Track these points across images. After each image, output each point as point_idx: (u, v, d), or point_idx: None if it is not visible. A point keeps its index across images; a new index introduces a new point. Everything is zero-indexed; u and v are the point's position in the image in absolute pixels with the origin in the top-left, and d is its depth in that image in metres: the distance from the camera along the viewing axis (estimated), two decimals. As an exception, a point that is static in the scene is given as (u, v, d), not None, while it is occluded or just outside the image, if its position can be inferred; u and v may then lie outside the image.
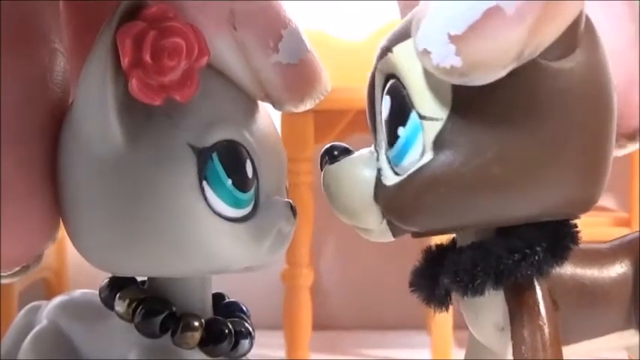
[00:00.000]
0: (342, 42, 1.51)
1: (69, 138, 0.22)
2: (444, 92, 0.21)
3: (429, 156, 0.21)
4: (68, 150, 0.22)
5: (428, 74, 0.21)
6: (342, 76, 1.09)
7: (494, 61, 0.19)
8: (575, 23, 0.20)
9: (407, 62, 0.21)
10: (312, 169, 1.12)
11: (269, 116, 0.24)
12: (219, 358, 0.24)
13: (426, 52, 0.19)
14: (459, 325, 0.25)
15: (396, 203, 0.22)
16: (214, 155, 0.21)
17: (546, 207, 0.21)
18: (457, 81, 0.19)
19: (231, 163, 0.22)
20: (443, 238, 0.25)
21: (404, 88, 0.21)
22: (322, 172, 0.24)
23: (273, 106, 0.24)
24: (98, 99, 0.20)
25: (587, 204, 0.22)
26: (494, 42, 0.18)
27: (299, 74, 0.23)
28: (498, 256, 0.22)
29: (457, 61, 0.19)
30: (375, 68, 0.23)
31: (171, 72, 0.20)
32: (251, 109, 0.23)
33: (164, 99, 0.20)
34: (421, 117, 0.21)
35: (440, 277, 0.23)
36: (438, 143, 0.21)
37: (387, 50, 0.22)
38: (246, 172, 0.22)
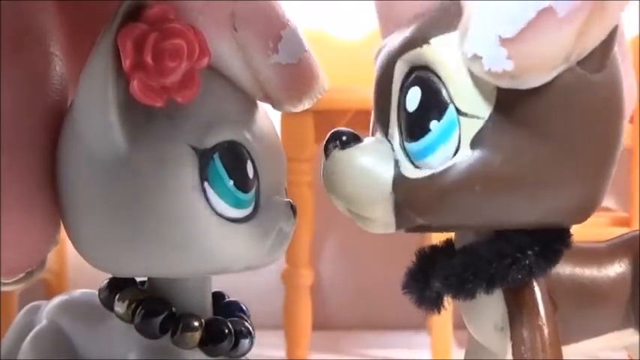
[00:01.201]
0: (341, 42, 1.51)
1: (69, 140, 0.22)
2: (489, 91, 0.21)
3: (465, 153, 0.21)
4: (68, 152, 0.22)
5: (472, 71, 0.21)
6: (342, 76, 1.09)
7: (544, 63, 0.19)
8: (612, 36, 0.20)
9: (447, 56, 0.21)
10: (312, 169, 1.12)
11: (268, 117, 0.24)
12: (219, 358, 0.24)
13: (476, 58, 0.19)
14: (459, 325, 0.25)
15: (422, 197, 0.22)
16: (216, 156, 0.21)
17: (559, 213, 0.21)
18: (507, 84, 0.19)
19: (232, 163, 0.22)
20: (441, 238, 0.25)
21: (441, 81, 0.21)
22: (328, 158, 0.23)
23: (272, 106, 0.24)
24: (99, 101, 0.20)
25: (588, 212, 0.22)
26: (546, 43, 0.18)
27: (298, 74, 0.23)
28: (489, 260, 0.22)
29: (509, 65, 0.19)
30: (397, 57, 0.22)
31: (173, 73, 0.20)
32: (251, 109, 0.23)
33: (165, 100, 0.20)
34: (460, 113, 0.21)
35: (431, 280, 0.23)
36: (477, 141, 0.21)
37: (420, 41, 0.22)
38: (247, 173, 0.22)
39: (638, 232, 0.25)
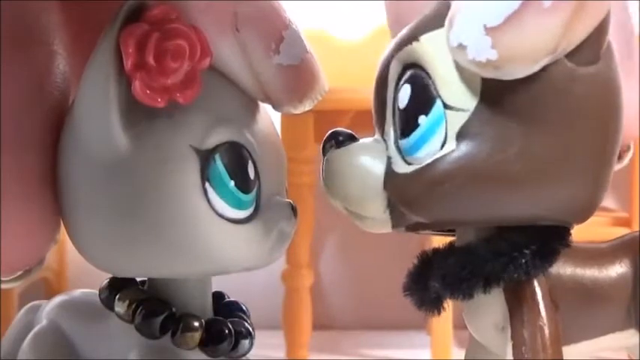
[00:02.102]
0: (342, 42, 1.51)
1: (70, 139, 0.22)
2: (474, 84, 0.21)
3: (451, 146, 0.21)
4: (69, 151, 0.22)
5: (458, 64, 0.21)
6: (343, 76, 1.09)
7: (529, 54, 0.19)
8: (602, 32, 0.20)
9: (435, 52, 0.21)
10: (312, 169, 1.12)
11: (269, 117, 0.24)
12: (219, 358, 0.24)
13: (461, 47, 0.19)
14: (459, 325, 0.25)
15: (410, 191, 0.22)
16: (217, 157, 0.21)
17: (553, 210, 0.21)
18: (490, 74, 0.19)
19: (233, 164, 0.22)
20: (443, 241, 0.25)
21: (429, 77, 0.21)
22: (325, 158, 0.24)
23: (273, 107, 0.24)
24: (101, 100, 0.20)
25: (588, 210, 0.22)
26: (530, 34, 0.18)
27: (299, 75, 0.23)
28: (485, 259, 0.22)
29: (493, 54, 0.19)
30: (391, 57, 0.23)
31: (174, 74, 0.20)
32: (252, 110, 0.23)
33: (167, 101, 0.20)
34: (446, 107, 0.21)
35: (429, 281, 0.23)
36: (463, 134, 0.21)
37: (411, 39, 0.22)
38: (248, 174, 0.22)
39: (638, 232, 0.25)
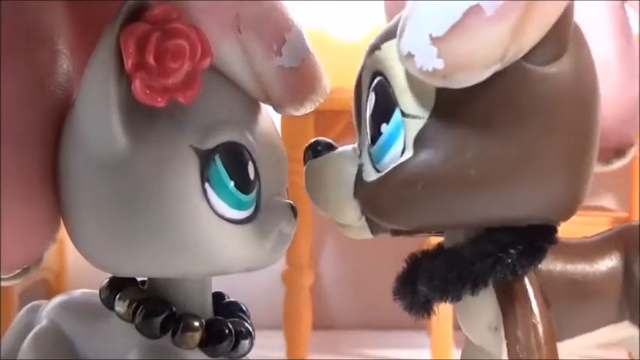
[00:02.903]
0: (342, 42, 1.51)
1: (70, 139, 0.22)
2: (428, 91, 0.21)
3: (409, 153, 0.21)
4: (70, 150, 0.22)
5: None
6: (343, 76, 1.09)
7: (475, 62, 0.19)
8: (563, 29, 0.20)
9: (394, 60, 0.21)
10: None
11: (270, 117, 0.24)
12: (219, 358, 0.24)
13: (409, 56, 0.19)
14: (459, 325, 0.25)
15: (374, 199, 0.22)
16: (217, 157, 0.21)
17: (528, 210, 0.21)
18: (440, 83, 0.19)
19: (233, 165, 0.22)
20: (438, 240, 0.25)
21: (390, 85, 0.22)
22: (305, 167, 0.24)
23: (274, 108, 0.24)
24: (101, 100, 0.20)
25: (569, 209, 0.22)
26: (475, 42, 0.18)
27: (300, 77, 0.23)
28: (471, 260, 0.22)
29: (439, 64, 0.19)
30: (363, 65, 0.23)
31: (175, 74, 0.20)
32: (253, 110, 0.23)
33: (167, 101, 0.20)
34: (404, 115, 0.21)
35: (417, 284, 0.23)
36: (419, 141, 0.21)
37: (375, 48, 0.22)
38: (248, 174, 0.22)
39: (625, 224, 0.25)
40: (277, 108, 0.23)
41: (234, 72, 0.23)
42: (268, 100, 0.23)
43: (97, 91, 0.20)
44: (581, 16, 0.22)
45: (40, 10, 0.23)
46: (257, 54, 0.22)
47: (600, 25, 0.23)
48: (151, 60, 0.20)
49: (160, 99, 0.20)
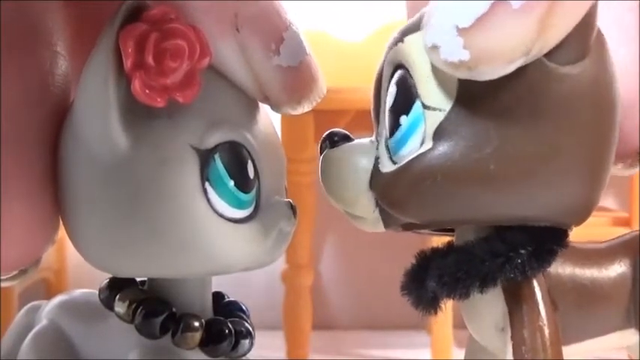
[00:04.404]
0: (342, 43, 1.51)
1: (69, 139, 0.22)
2: (450, 84, 0.21)
3: (428, 145, 0.21)
4: (69, 151, 0.22)
5: (434, 65, 0.21)
6: (343, 76, 1.09)
7: (501, 55, 0.19)
8: (587, 30, 0.20)
9: (416, 53, 0.21)
10: (312, 169, 1.12)
11: (268, 117, 0.24)
12: (219, 358, 0.24)
13: (434, 47, 0.19)
14: (459, 325, 0.25)
15: (391, 190, 0.22)
16: (217, 156, 0.21)
17: (543, 210, 0.21)
18: (464, 75, 0.19)
19: (233, 164, 0.22)
20: (441, 240, 0.25)
21: (411, 78, 0.22)
22: (321, 157, 0.24)
23: (272, 108, 0.24)
24: (100, 100, 0.20)
25: (582, 212, 0.22)
26: (500, 35, 0.18)
27: (298, 77, 0.23)
28: (482, 259, 0.22)
29: (465, 55, 0.19)
30: (385, 59, 0.23)
31: (174, 73, 0.20)
32: (251, 110, 0.23)
33: (166, 100, 0.20)
34: (425, 107, 0.21)
35: (426, 281, 0.23)
36: (439, 133, 0.21)
37: (398, 41, 0.22)
38: (247, 173, 0.22)
39: (638, 232, 0.25)
40: (275, 107, 0.24)
41: (232, 71, 0.23)
42: (266, 100, 0.23)
43: (96, 91, 0.20)
44: (606, 19, 0.22)
45: (40, 10, 0.23)
46: (255, 53, 0.22)
47: (625, 28, 0.23)
48: (150, 60, 0.20)
49: (159, 99, 0.20)
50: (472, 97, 0.21)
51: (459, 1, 0.19)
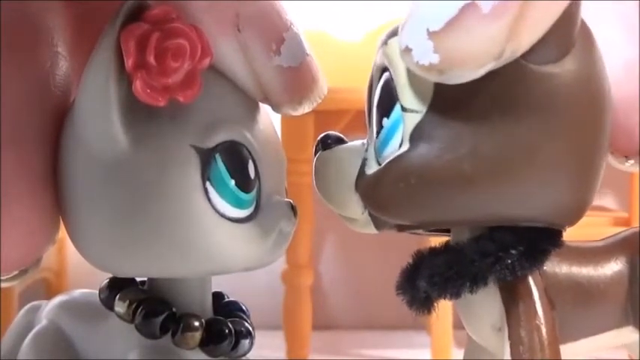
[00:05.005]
0: (342, 43, 1.51)
1: (71, 139, 0.22)
2: (426, 86, 0.21)
3: (405, 147, 0.21)
4: (69, 151, 0.22)
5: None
6: (343, 76, 1.09)
7: (470, 59, 0.19)
8: (567, 27, 0.20)
9: (397, 55, 0.21)
10: (312, 169, 1.12)
11: (269, 117, 0.24)
12: (219, 358, 0.24)
13: (407, 50, 0.19)
14: (459, 325, 0.25)
15: (371, 191, 0.22)
16: (217, 156, 0.22)
17: (530, 211, 0.21)
18: (435, 78, 0.19)
19: (234, 163, 0.22)
20: (440, 241, 0.25)
21: (392, 80, 0.22)
22: (314, 160, 0.25)
23: (272, 108, 0.24)
24: (101, 100, 0.20)
25: (573, 213, 0.22)
26: (470, 39, 0.18)
27: (299, 77, 0.23)
28: (471, 259, 0.22)
29: (435, 58, 0.19)
30: (375, 62, 0.23)
31: (175, 73, 0.20)
32: (252, 110, 0.23)
33: (167, 100, 0.20)
34: (403, 109, 0.21)
35: (418, 280, 0.23)
36: (415, 135, 0.21)
37: (383, 43, 0.22)
38: (248, 173, 0.22)
39: (633, 229, 0.25)
40: (275, 107, 0.24)
41: (233, 71, 0.23)
42: (267, 100, 0.23)
43: (97, 91, 0.20)
44: (611, 18, 0.22)
45: (40, 10, 0.23)
46: (256, 53, 0.22)
47: (631, 27, 0.23)
48: (151, 59, 0.20)
49: (160, 98, 0.20)
50: (448, 99, 0.21)
51: (432, 5, 0.19)
